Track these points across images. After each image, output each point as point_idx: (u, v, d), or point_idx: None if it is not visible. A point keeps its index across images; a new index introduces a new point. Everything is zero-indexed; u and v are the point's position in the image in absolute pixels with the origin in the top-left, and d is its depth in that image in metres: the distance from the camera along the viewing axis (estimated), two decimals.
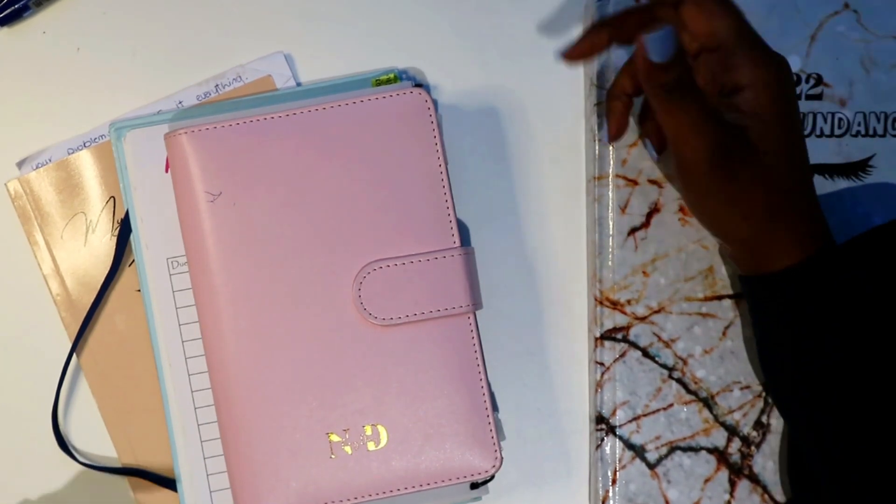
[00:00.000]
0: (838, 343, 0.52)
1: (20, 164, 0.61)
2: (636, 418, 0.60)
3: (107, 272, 0.60)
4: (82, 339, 0.60)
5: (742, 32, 0.51)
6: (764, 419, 0.60)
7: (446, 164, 0.58)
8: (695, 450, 0.60)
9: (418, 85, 0.59)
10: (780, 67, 0.52)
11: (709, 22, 0.51)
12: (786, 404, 0.56)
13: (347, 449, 0.56)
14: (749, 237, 0.53)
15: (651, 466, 0.60)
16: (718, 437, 0.60)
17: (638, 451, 0.60)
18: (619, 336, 0.61)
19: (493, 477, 0.57)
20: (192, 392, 0.59)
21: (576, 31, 0.62)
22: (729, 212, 0.53)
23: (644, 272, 0.61)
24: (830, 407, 0.52)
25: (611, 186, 0.61)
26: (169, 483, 0.59)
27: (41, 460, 0.61)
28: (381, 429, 0.56)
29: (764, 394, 0.60)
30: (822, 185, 0.61)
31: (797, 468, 0.58)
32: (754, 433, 0.60)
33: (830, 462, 0.53)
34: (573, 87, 0.62)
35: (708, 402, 0.60)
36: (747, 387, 0.60)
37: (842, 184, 0.61)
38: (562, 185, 0.62)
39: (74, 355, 0.60)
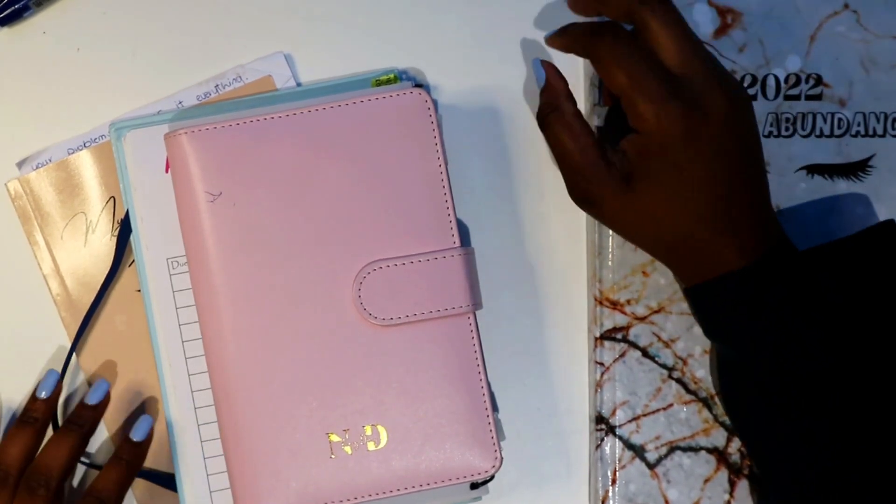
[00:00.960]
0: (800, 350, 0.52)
1: (20, 164, 0.61)
2: (636, 418, 0.60)
3: (107, 272, 0.60)
4: (82, 339, 0.60)
5: (636, 88, 0.52)
6: None
7: (446, 164, 0.58)
8: (694, 450, 0.60)
9: (418, 85, 0.59)
10: (676, 121, 0.52)
11: (605, 74, 0.54)
12: (750, 418, 0.56)
13: (347, 449, 0.56)
14: (670, 261, 0.56)
15: (651, 466, 0.60)
16: (718, 437, 0.60)
17: (638, 451, 0.60)
18: (619, 336, 0.61)
19: (493, 477, 0.57)
20: (192, 392, 0.58)
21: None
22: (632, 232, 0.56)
23: (644, 272, 0.61)
24: (818, 412, 0.52)
25: None
26: (169, 483, 0.59)
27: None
28: (381, 429, 0.56)
29: None
30: (822, 185, 0.61)
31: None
32: None
33: (818, 467, 0.52)
34: (573, 88, 0.62)
35: (708, 402, 0.61)
36: None
37: (841, 184, 0.61)
38: (562, 185, 0.62)
39: (74, 355, 0.60)
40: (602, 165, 0.53)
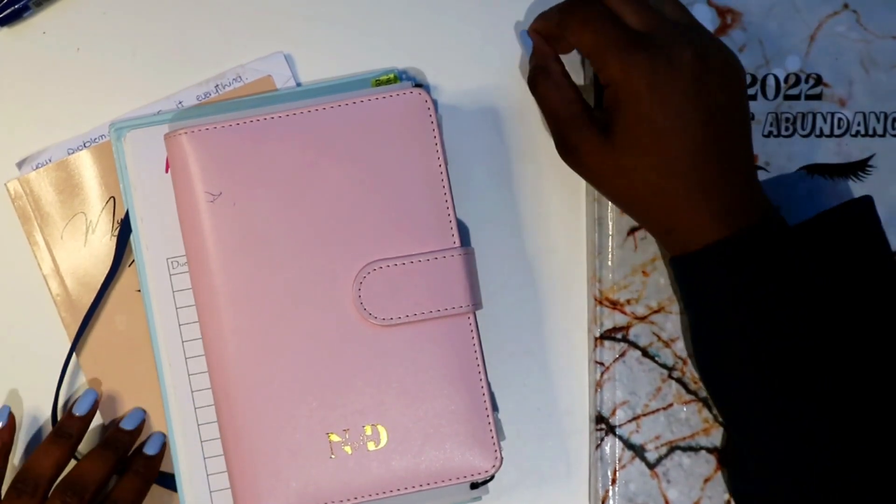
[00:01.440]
0: (782, 323, 0.52)
1: (20, 165, 0.61)
2: (636, 418, 0.60)
3: (107, 272, 0.60)
4: (82, 339, 0.60)
5: (602, 43, 0.54)
6: None
7: (446, 164, 0.58)
8: (694, 449, 0.60)
9: (418, 85, 0.59)
10: (642, 70, 0.53)
11: (576, 39, 0.56)
12: (732, 395, 0.56)
13: (347, 449, 0.56)
14: (647, 220, 0.56)
15: (651, 466, 0.60)
16: (718, 437, 0.60)
17: (638, 450, 0.60)
18: (619, 336, 0.61)
19: (493, 477, 0.57)
20: (192, 392, 0.59)
21: None
22: (614, 192, 0.56)
23: (644, 272, 0.61)
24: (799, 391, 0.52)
25: None
26: (169, 482, 0.59)
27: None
28: (381, 429, 0.56)
29: None
30: (822, 184, 0.61)
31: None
32: None
33: (812, 449, 0.52)
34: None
35: (708, 402, 0.61)
36: None
37: (841, 184, 0.61)
38: (562, 185, 0.62)
39: (74, 355, 0.60)
40: (584, 117, 0.56)
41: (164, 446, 0.60)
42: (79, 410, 0.59)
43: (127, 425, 0.59)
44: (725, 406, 0.56)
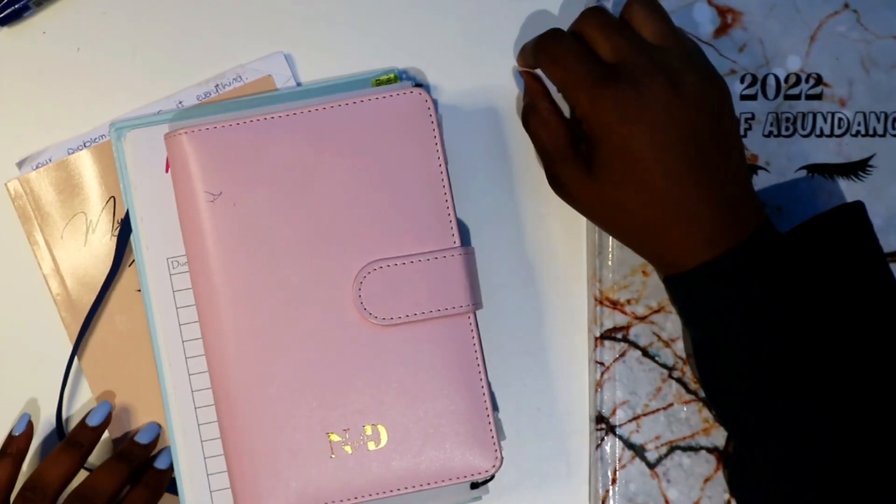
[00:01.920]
0: (790, 328, 0.52)
1: (20, 164, 0.61)
2: (636, 418, 0.60)
3: (107, 272, 0.60)
4: (83, 339, 0.60)
5: (571, 80, 0.54)
6: None
7: (446, 164, 0.58)
8: (695, 449, 0.60)
9: (418, 85, 0.59)
10: (609, 104, 0.53)
11: (548, 73, 0.57)
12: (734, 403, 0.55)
13: (347, 449, 0.56)
14: (639, 249, 0.57)
15: (651, 466, 0.60)
16: (718, 437, 0.60)
17: (638, 450, 0.60)
18: (619, 336, 0.61)
19: (493, 477, 0.57)
20: (192, 392, 0.59)
21: None
22: (606, 222, 0.57)
23: (644, 272, 0.61)
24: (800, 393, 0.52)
25: None
26: (170, 487, 0.59)
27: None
28: (381, 429, 0.56)
29: None
30: (822, 185, 0.61)
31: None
32: None
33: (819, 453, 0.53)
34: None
35: (707, 402, 0.60)
36: None
37: (841, 184, 0.61)
38: None
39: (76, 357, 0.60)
40: (570, 153, 0.56)
41: (158, 438, 0.60)
42: (92, 421, 0.59)
43: (142, 439, 0.59)
44: (727, 413, 0.56)
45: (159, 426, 0.60)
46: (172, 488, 0.59)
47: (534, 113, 0.59)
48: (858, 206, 0.55)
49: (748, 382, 0.53)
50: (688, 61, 0.54)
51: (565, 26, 0.58)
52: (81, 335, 0.60)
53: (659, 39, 0.54)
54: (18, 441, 0.58)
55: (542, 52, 0.56)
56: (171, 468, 0.59)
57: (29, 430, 0.59)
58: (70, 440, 0.58)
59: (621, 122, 0.53)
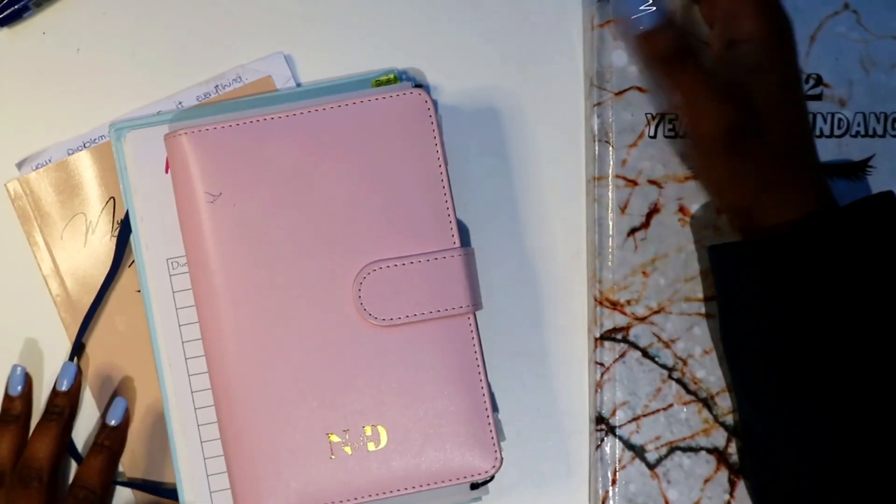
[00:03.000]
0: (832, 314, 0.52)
1: (20, 165, 0.61)
2: (636, 418, 0.60)
3: (107, 273, 0.60)
4: (82, 339, 0.60)
5: (688, 106, 0.54)
6: None
7: (446, 164, 0.58)
8: (694, 450, 0.60)
9: (418, 85, 0.59)
10: (781, 23, 0.53)
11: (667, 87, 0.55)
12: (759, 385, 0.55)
13: (347, 449, 0.56)
14: (749, 201, 0.55)
15: (651, 467, 0.60)
16: (718, 438, 0.60)
17: (638, 451, 0.60)
18: (619, 336, 0.61)
19: (493, 477, 0.57)
20: (192, 392, 0.59)
21: (575, 31, 0.62)
22: (734, 181, 0.54)
23: (644, 272, 0.61)
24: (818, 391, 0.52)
25: (610, 187, 0.61)
26: (171, 495, 0.59)
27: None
28: (381, 429, 0.56)
29: None
30: None
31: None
32: None
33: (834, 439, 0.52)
34: (573, 87, 0.62)
35: (707, 403, 0.61)
36: None
37: (841, 184, 0.61)
38: (562, 185, 0.62)
39: (75, 357, 0.60)
40: (745, 102, 0.53)
41: (127, 413, 0.59)
42: (113, 420, 0.59)
43: (61, 386, 0.58)
44: (745, 377, 0.56)
45: (125, 400, 0.59)
46: (174, 496, 0.59)
47: (692, 62, 0.54)
48: (889, 196, 0.54)
49: (770, 353, 0.53)
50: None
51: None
52: (80, 335, 0.60)
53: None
54: (16, 405, 0.58)
55: (673, 86, 0.54)
56: (125, 422, 0.59)
57: (27, 388, 0.58)
58: (96, 445, 0.58)
59: (788, 44, 0.54)
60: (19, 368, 0.58)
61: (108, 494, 0.58)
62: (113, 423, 0.58)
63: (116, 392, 0.60)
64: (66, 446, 0.58)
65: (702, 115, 0.53)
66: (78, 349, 0.60)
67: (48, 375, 0.61)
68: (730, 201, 0.56)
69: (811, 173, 0.55)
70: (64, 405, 0.58)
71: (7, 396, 0.58)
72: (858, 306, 0.52)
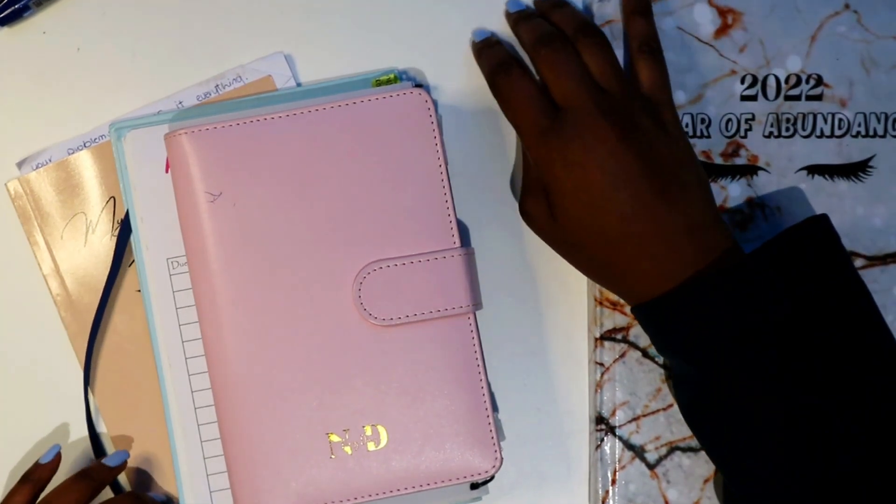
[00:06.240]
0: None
1: (20, 164, 0.61)
2: (636, 418, 0.60)
3: (107, 272, 0.60)
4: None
5: (520, 126, 0.57)
6: None
7: (446, 164, 0.58)
8: (694, 450, 0.60)
9: (418, 85, 0.58)
10: (552, 154, 0.55)
11: (501, 108, 0.59)
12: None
13: (347, 449, 0.56)
14: (605, 283, 0.58)
15: (651, 467, 0.60)
16: None
17: (637, 451, 0.60)
18: (619, 336, 0.61)
19: (493, 477, 0.58)
20: (192, 392, 0.59)
21: None
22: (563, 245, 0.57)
23: None
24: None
25: None
26: None
27: (37, 457, 0.61)
28: (381, 429, 0.56)
29: None
30: (822, 185, 0.61)
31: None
32: None
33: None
34: None
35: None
36: None
37: (842, 184, 0.61)
38: None
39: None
40: (539, 187, 0.57)
41: (125, 464, 0.59)
42: (111, 462, 0.58)
43: (111, 462, 0.58)
44: (709, 441, 0.56)
45: (127, 453, 0.59)
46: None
47: (506, 76, 0.58)
48: (823, 219, 0.54)
49: (725, 405, 0.53)
50: (631, 100, 0.55)
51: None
52: (92, 340, 0.60)
53: (604, 80, 0.56)
54: (42, 470, 0.57)
55: (493, 86, 0.58)
56: (119, 467, 0.58)
57: (55, 462, 0.57)
58: (83, 473, 0.57)
59: (568, 169, 0.54)
60: (59, 448, 0.58)
61: None
62: (110, 465, 0.58)
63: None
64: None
65: (514, 109, 0.57)
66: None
67: (47, 375, 0.61)
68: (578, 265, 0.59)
69: (668, 240, 0.54)
70: (105, 474, 0.58)
71: (36, 462, 0.57)
72: (827, 318, 0.52)
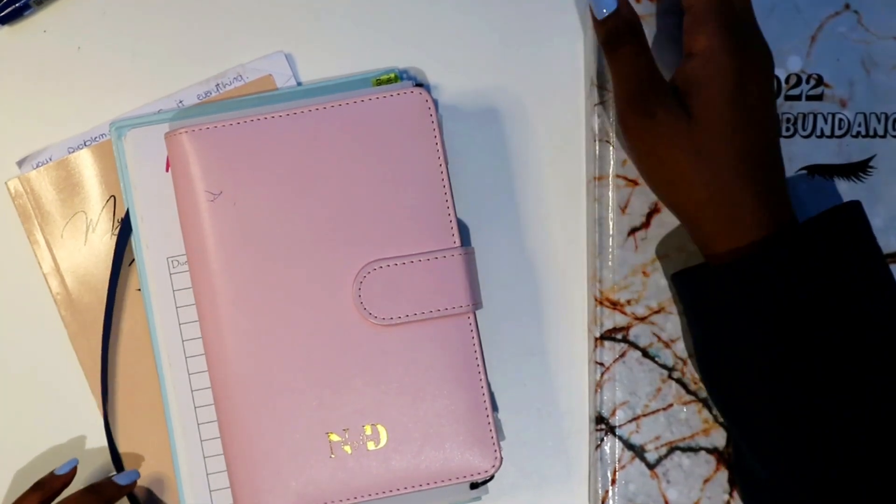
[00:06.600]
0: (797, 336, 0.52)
1: (20, 163, 0.61)
2: (636, 418, 0.60)
3: (108, 272, 0.60)
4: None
5: (714, 7, 0.54)
6: None
7: (446, 164, 0.58)
8: (694, 450, 0.60)
9: (419, 85, 0.59)
10: (738, 42, 0.53)
11: None
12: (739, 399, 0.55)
13: (347, 449, 0.56)
14: (687, 210, 0.55)
15: (651, 466, 0.60)
16: (718, 438, 0.60)
17: (637, 451, 0.60)
18: (619, 336, 0.61)
19: (492, 477, 0.57)
20: (192, 392, 0.59)
21: (576, 31, 0.62)
22: (659, 176, 0.55)
23: (644, 272, 0.61)
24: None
25: (611, 186, 0.61)
26: None
27: (36, 457, 0.61)
28: (381, 428, 0.56)
29: None
30: (822, 185, 0.61)
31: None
32: None
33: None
34: (573, 87, 0.62)
35: (707, 403, 0.60)
36: None
37: (842, 184, 0.61)
38: (562, 185, 0.62)
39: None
40: (667, 85, 0.55)
41: (134, 484, 0.59)
42: (120, 481, 0.58)
43: (121, 480, 0.58)
44: (730, 406, 0.56)
45: (138, 473, 0.59)
46: None
47: (633, 35, 0.55)
48: (855, 206, 0.55)
49: (751, 379, 0.53)
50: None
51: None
52: (105, 343, 0.60)
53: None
54: (55, 480, 0.57)
55: (608, 59, 0.56)
56: (129, 486, 0.58)
57: (69, 476, 0.57)
58: (92, 487, 0.58)
59: (742, 67, 0.53)
60: (76, 462, 0.58)
61: None
62: (121, 483, 0.58)
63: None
64: None
65: (615, 79, 0.56)
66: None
67: (46, 375, 0.61)
68: (676, 207, 0.56)
69: (767, 191, 0.54)
70: (114, 491, 0.58)
71: (52, 472, 0.57)
72: (855, 306, 0.52)
